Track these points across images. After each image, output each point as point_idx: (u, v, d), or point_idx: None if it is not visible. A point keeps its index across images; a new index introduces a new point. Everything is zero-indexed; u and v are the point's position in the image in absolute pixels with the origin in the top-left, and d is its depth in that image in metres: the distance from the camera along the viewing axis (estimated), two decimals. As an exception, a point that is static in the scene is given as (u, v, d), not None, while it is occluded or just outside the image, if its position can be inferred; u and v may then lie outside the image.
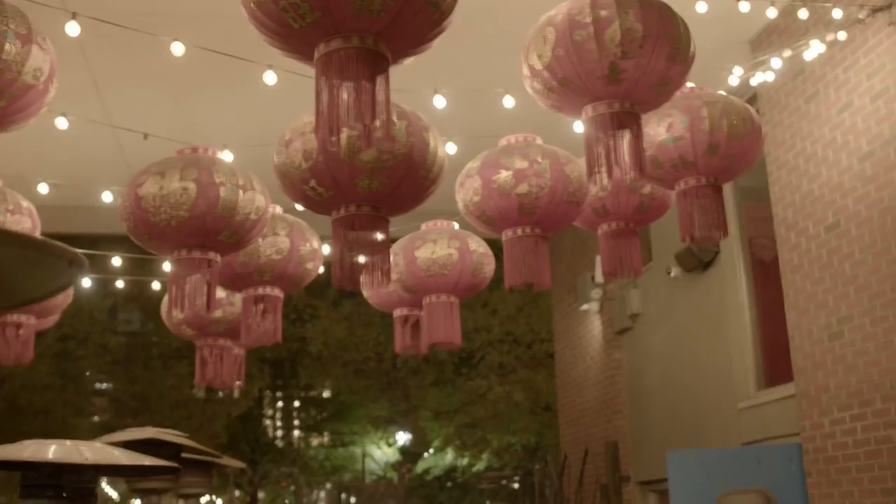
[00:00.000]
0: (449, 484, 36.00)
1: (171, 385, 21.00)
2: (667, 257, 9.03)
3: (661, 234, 9.24)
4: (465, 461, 31.85)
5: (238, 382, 5.87)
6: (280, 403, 35.98)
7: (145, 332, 23.00)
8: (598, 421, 10.67)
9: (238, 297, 5.20)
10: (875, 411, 5.83)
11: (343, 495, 23.40)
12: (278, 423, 35.92)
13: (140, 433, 5.36)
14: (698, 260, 8.40)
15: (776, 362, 7.40)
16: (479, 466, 32.22)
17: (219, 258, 4.26)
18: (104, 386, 24.80)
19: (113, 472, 3.94)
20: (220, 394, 27.12)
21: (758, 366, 7.69)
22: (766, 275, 7.77)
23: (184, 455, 6.65)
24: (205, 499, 25.10)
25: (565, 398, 12.13)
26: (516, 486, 37.89)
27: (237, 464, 7.81)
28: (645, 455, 9.62)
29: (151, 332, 22.50)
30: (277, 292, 4.94)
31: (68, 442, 3.83)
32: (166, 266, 6.25)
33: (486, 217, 4.45)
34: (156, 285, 7.57)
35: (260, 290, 4.90)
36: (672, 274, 8.89)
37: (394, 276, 5.37)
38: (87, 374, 22.80)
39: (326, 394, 32.79)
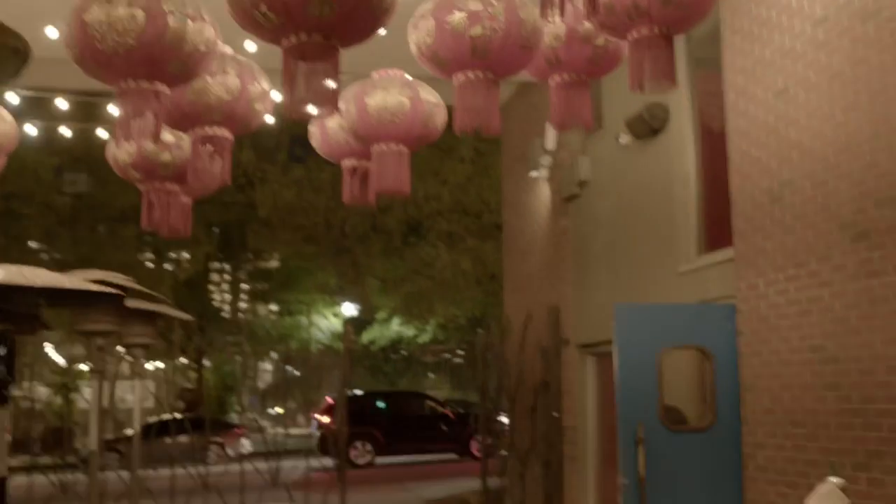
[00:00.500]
0: (394, 356, 36.67)
1: (116, 247, 20.86)
2: (617, 125, 9.07)
3: (613, 102, 9.27)
4: (410, 333, 32.37)
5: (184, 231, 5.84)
6: (227, 271, 36.02)
7: (92, 194, 22.68)
8: (542, 287, 10.87)
9: (187, 141, 5.14)
10: (809, 271, 6.02)
11: (288, 368, 23.72)
12: (225, 291, 36.03)
13: (86, 274, 5.34)
14: (648, 127, 8.45)
15: (717, 228, 7.55)
16: (424, 338, 32.79)
17: (167, 91, 4.19)
18: (48, 247, 24.58)
19: (57, 297, 3.94)
20: (169, 262, 27.10)
21: (700, 231, 7.85)
22: (713, 144, 7.85)
23: (129, 304, 6.66)
24: (150, 365, 25.27)
25: (511, 265, 12.32)
26: (459, 360, 38.77)
27: (183, 315, 7.84)
28: (585, 319, 9.85)
29: (98, 195, 22.21)
30: (226, 133, 4.89)
31: (13, 266, 3.82)
32: (113, 110, 6.14)
33: (439, 59, 4.41)
34: (102, 133, 7.42)
35: (208, 131, 4.84)
36: (622, 141, 8.94)
37: (344, 123, 5.35)
38: (31, 233, 22.53)
39: (274, 263, 32.87)
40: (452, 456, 23.13)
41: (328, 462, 11.21)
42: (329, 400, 26.50)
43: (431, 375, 40.24)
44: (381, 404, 26.11)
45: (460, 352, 37.29)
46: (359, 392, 30.54)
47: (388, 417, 25.14)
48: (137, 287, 5.91)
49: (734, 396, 6.74)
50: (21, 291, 3.45)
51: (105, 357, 5.72)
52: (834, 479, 5.26)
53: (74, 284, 3.96)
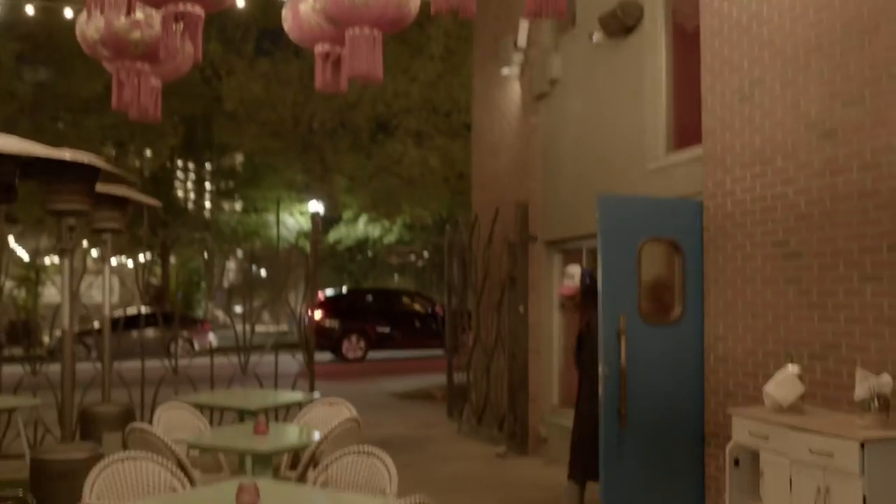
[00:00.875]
0: (359, 256, 36.79)
1: (80, 139, 20.52)
2: (590, 23, 9.00)
3: (586, 0, 9.20)
4: (376, 233, 32.42)
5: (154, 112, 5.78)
6: (191, 169, 35.72)
7: (55, 83, 22.19)
8: (510, 184, 10.91)
9: (157, 21, 5.05)
10: (775, 169, 6.11)
11: (255, 266, 23.77)
12: (190, 187, 35.78)
13: (56, 152, 5.28)
14: (621, 24, 8.40)
15: (686, 127, 7.60)
16: (391, 239, 32.89)
17: (138, -36, 4.11)
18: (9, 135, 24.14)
19: (31, 168, 3.92)
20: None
21: (668, 129, 7.89)
22: (685, 43, 7.83)
23: (99, 189, 6.62)
24: (115, 260, 25.17)
25: (479, 162, 12.33)
26: (424, 263, 38.97)
27: (152, 201, 7.83)
28: (553, 216, 9.94)
29: (61, 84, 21.74)
30: (198, 10, 4.79)
31: (-16, 137, 3.78)
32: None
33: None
34: (68, 13, 7.25)
35: (181, 7, 4.76)
36: (594, 39, 8.89)
37: (316, 5, 5.27)
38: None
39: (239, 159, 32.59)
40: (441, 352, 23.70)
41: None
42: (320, 296, 26.76)
43: (396, 277, 40.53)
44: (372, 301, 26.48)
45: (426, 253, 37.54)
46: (350, 289, 30.86)
47: (379, 314, 25.54)
48: (109, 167, 5.86)
49: (700, 291, 6.89)
50: (-6, 160, 3.42)
51: (76, 238, 5.71)
52: (792, 367, 5.44)
53: (50, 153, 3.94)
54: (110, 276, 7.98)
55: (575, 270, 7.77)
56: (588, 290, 7.45)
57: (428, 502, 3.43)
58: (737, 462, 5.63)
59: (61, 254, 5.87)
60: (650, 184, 7.82)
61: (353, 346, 24.68)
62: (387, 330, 25.25)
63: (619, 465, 6.49)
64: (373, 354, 24.70)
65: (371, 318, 25.19)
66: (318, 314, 24.67)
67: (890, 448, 4.65)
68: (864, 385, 4.91)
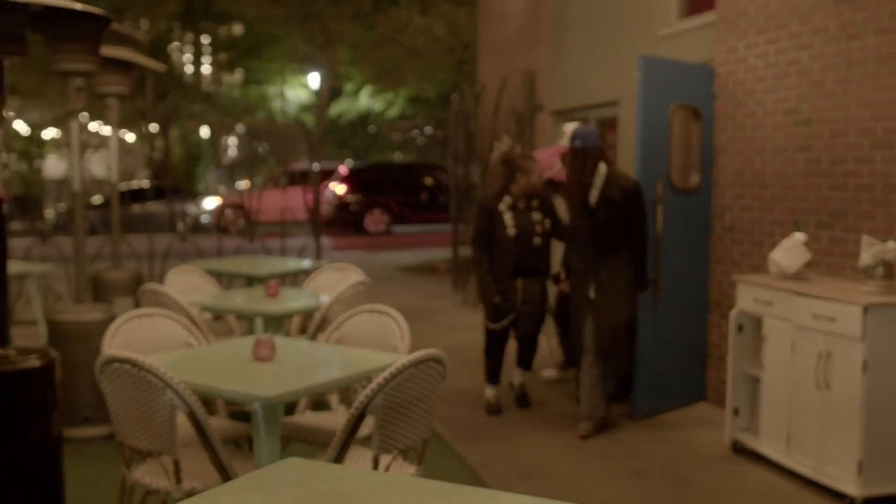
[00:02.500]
0: (361, 131, 36.54)
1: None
2: None
3: None
4: (378, 107, 32.11)
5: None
6: (189, 41, 35.11)
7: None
8: (517, 52, 10.76)
9: None
10: (790, 34, 6.01)
11: (255, 143, 23.61)
12: (189, 59, 35.25)
13: (67, 2, 5.16)
14: None
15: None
16: (393, 113, 32.60)
17: None
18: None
19: (42, 20, 3.86)
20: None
21: (682, -5, 7.74)
22: None
23: (104, 53, 6.53)
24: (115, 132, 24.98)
25: (486, 30, 12.13)
26: (426, 139, 38.69)
27: (158, 66, 7.71)
28: (560, 85, 9.83)
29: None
30: None
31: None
32: None
33: None
34: None
35: None
36: None
37: None
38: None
39: (238, 29, 32.00)
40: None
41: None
42: (342, 169, 26.69)
43: (398, 154, 40.34)
44: (395, 174, 26.35)
45: (428, 128, 37.26)
46: (375, 162, 30.69)
47: (403, 188, 25.44)
48: (117, 25, 5.75)
49: (710, 158, 6.86)
50: (5, 9, 3.36)
51: (83, 99, 5.66)
52: (798, 235, 5.47)
53: (60, 3, 3.87)
54: (116, 144, 7.94)
55: (568, 128, 6.21)
56: (577, 154, 5.93)
57: (441, 356, 3.50)
58: (740, 328, 5.72)
59: (69, 115, 5.83)
60: (660, 51, 7.70)
61: (375, 221, 24.73)
62: (410, 203, 25.18)
63: (652, 338, 6.51)
64: (398, 228, 24.70)
65: (394, 191, 25.06)
66: (340, 189, 24.71)
67: (892, 313, 4.72)
68: (870, 252, 4.95)
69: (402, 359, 3.42)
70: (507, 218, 6.45)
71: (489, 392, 6.70)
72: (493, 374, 6.71)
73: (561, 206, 6.80)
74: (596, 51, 8.94)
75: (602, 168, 5.90)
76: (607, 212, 5.86)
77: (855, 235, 5.40)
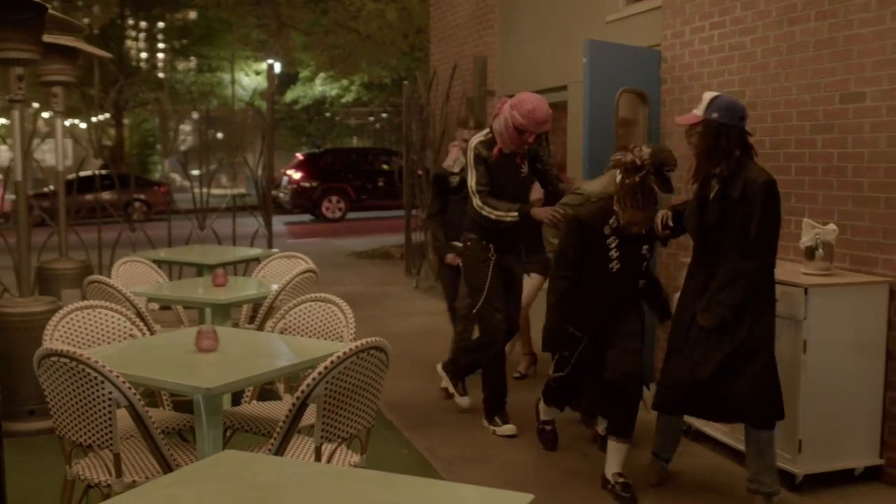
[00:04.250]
0: (317, 117, 36.38)
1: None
2: None
3: None
4: (334, 92, 31.97)
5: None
6: (142, 28, 34.69)
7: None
8: (469, 37, 10.76)
9: None
10: (734, 19, 6.07)
11: (209, 131, 23.37)
12: (142, 46, 34.83)
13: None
14: None
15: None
16: (348, 98, 32.48)
17: None
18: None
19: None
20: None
21: (629, -20, 7.78)
22: None
23: (47, 39, 6.42)
24: (69, 121, 24.60)
25: (438, 15, 12.11)
26: (382, 125, 38.57)
27: (103, 53, 7.59)
28: (511, 70, 9.85)
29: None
30: None
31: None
32: None
33: None
34: None
35: None
36: None
37: None
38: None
39: (192, 15, 31.66)
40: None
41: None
42: (299, 156, 26.51)
43: (354, 140, 40.20)
44: (353, 160, 26.21)
45: (384, 115, 37.15)
46: (329, 148, 30.48)
47: (359, 173, 25.31)
48: (57, 14, 5.67)
49: (657, 143, 6.90)
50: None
51: (25, 88, 5.57)
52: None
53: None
54: (62, 133, 7.83)
55: (707, 96, 4.54)
56: (709, 129, 4.42)
57: (384, 345, 3.50)
58: (686, 309, 5.76)
59: (11, 105, 5.73)
60: (609, 35, 7.75)
61: (332, 207, 24.64)
62: (367, 190, 25.09)
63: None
64: (354, 214, 24.62)
65: (351, 177, 24.96)
66: (296, 175, 24.58)
67: (832, 294, 4.80)
68: (810, 234, 5.02)
69: (343, 347, 3.41)
70: (613, 246, 4.77)
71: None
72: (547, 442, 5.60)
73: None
74: (546, 36, 8.96)
75: (736, 154, 4.43)
76: (722, 211, 4.44)
77: (797, 218, 5.47)
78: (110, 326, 4.41)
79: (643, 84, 6.76)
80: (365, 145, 37.42)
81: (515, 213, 5.44)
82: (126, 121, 33.65)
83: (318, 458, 3.40)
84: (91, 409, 3.35)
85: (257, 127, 11.16)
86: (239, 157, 10.83)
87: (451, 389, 6.22)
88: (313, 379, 3.31)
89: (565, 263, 4.81)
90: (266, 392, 5.15)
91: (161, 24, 33.51)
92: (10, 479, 3.65)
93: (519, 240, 5.87)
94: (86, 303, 4.43)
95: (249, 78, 30.58)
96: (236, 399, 4.80)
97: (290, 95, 31.59)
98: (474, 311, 5.76)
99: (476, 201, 5.54)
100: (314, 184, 24.57)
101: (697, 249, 4.65)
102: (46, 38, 6.48)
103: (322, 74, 29.43)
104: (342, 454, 3.71)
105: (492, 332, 5.71)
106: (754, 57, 5.89)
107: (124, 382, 3.30)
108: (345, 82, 30.09)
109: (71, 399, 3.39)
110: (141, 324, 4.53)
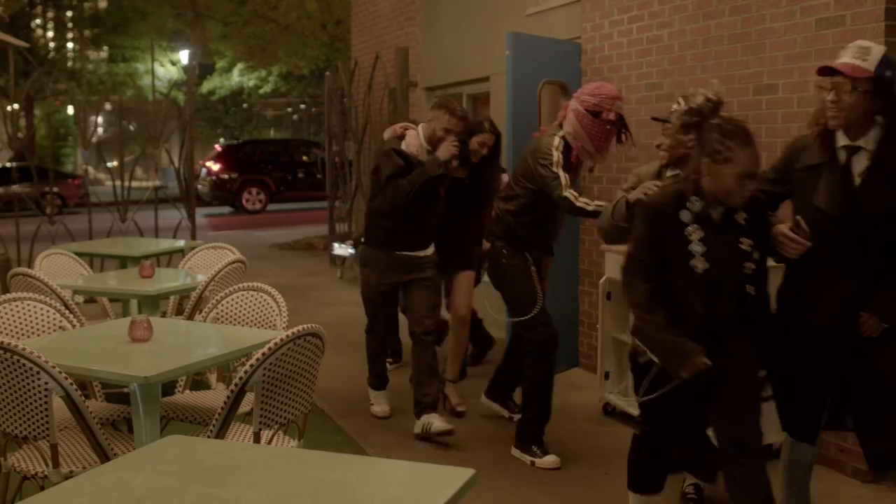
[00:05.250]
0: (234, 108, 35.94)
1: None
2: None
3: None
4: (251, 83, 31.64)
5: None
6: (52, 17, 33.82)
7: None
8: (391, 28, 10.81)
9: None
10: (651, 12, 6.26)
11: (124, 122, 22.97)
12: (51, 35, 33.95)
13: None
14: None
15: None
16: (266, 90, 32.18)
17: None
18: None
19: None
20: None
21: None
22: None
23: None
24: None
25: (359, 5, 12.13)
26: (300, 115, 38.27)
27: (18, 42, 7.46)
28: (433, 61, 9.93)
29: None
30: None
31: None
32: None
33: None
34: None
35: None
36: None
37: None
38: None
39: (104, 4, 30.98)
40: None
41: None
42: (218, 147, 26.12)
43: (273, 131, 39.84)
44: (272, 151, 25.92)
45: (302, 106, 36.88)
46: (248, 139, 30.08)
47: (279, 165, 25.05)
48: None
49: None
50: None
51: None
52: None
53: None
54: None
55: (869, 45, 3.49)
56: (878, 86, 3.43)
57: (319, 331, 3.57)
58: (609, 296, 5.94)
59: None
60: (529, 28, 7.86)
61: (253, 199, 24.41)
62: (287, 181, 24.89)
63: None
64: (275, 206, 24.43)
65: (271, 169, 24.73)
66: (215, 166, 24.27)
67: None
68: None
69: (280, 334, 3.47)
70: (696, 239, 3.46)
71: None
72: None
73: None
74: (468, 28, 9.06)
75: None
76: (877, 195, 3.44)
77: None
78: (39, 319, 4.38)
79: (564, 76, 6.90)
80: (283, 137, 37.10)
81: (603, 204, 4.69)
82: (37, 111, 32.78)
83: (257, 443, 3.45)
84: (26, 400, 3.34)
85: (175, 118, 11.06)
86: (160, 148, 10.69)
87: (529, 457, 5.15)
88: (251, 366, 3.36)
89: (638, 267, 3.55)
90: (197, 382, 5.16)
91: (70, 14, 32.71)
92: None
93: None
94: (13, 295, 4.39)
95: (165, 68, 30.07)
96: (167, 390, 4.81)
97: (206, 86, 31.16)
98: (528, 329, 5.15)
99: (570, 194, 4.78)
100: (233, 175, 24.33)
101: (837, 249, 3.49)
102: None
103: (239, 65, 29.09)
104: (280, 440, 3.76)
105: (549, 344, 5.14)
106: (672, 50, 6.09)
107: (61, 373, 3.31)
108: (262, 73, 29.80)
109: (5, 390, 3.38)
110: (71, 316, 4.50)
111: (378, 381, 6.15)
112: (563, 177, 4.84)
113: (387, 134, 5.82)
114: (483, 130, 5.92)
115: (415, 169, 5.40)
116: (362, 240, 6.10)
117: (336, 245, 11.61)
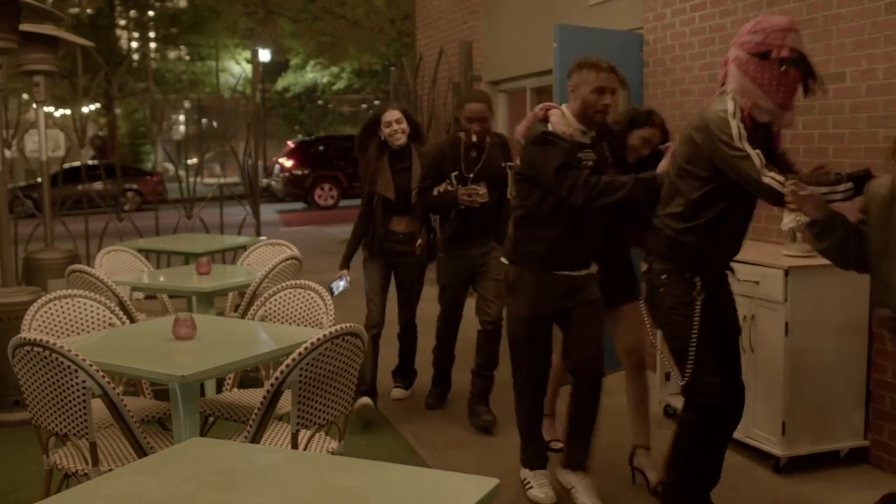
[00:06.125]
0: (309, 105, 36.28)
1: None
2: None
3: None
4: (325, 80, 31.87)
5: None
6: (132, 18, 34.53)
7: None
8: (454, 22, 10.72)
9: None
10: (714, 1, 6.06)
11: (204, 120, 23.35)
12: (133, 35, 34.67)
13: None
14: None
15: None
16: (340, 86, 32.38)
17: None
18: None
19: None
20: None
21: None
22: None
23: (23, 28, 6.38)
24: (60, 112, 24.50)
25: (424, 0, 12.06)
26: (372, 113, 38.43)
27: (84, 42, 7.56)
28: (497, 55, 9.82)
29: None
30: None
31: None
32: None
33: None
34: None
35: None
36: None
37: None
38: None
39: (183, 3, 31.50)
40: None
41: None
42: (291, 144, 26.43)
43: (348, 127, 40.10)
44: (345, 147, 26.13)
45: (377, 102, 37.03)
46: (323, 135, 30.37)
47: (351, 161, 25.21)
48: (34, 3, 5.63)
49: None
50: None
51: (3, 77, 5.53)
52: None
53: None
54: (50, 123, 7.81)
55: None
56: None
57: (358, 331, 3.50)
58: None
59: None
60: (591, 20, 7.72)
61: (325, 194, 24.59)
62: (358, 177, 24.90)
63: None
64: (347, 202, 24.55)
65: (343, 165, 24.86)
66: (288, 163, 24.54)
67: (812, 276, 4.80)
68: (791, 216, 5.01)
69: (316, 333, 3.41)
70: None
71: None
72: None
73: None
74: (530, 20, 8.93)
75: None
76: None
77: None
78: (89, 315, 4.40)
79: (623, 67, 6.71)
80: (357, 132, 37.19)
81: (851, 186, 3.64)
82: (118, 110, 33.55)
83: (294, 444, 3.40)
84: (66, 398, 3.34)
85: (246, 115, 11.15)
86: (226, 145, 10.79)
87: None
88: (287, 366, 3.31)
89: None
90: (250, 379, 5.16)
91: (151, 14, 33.36)
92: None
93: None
94: (64, 292, 4.42)
95: (240, 66, 30.47)
96: (221, 387, 4.81)
97: (281, 83, 31.49)
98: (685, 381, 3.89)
99: (772, 178, 3.50)
100: (306, 171, 24.53)
101: None
102: (26, 27, 6.46)
103: (312, 62, 29.33)
104: (320, 441, 3.71)
105: (709, 410, 3.92)
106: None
107: (98, 371, 3.30)
108: (335, 69, 29.99)
109: (46, 388, 3.39)
110: (121, 312, 4.52)
111: (537, 457, 4.59)
112: (755, 154, 3.55)
113: (523, 124, 4.31)
114: (650, 123, 4.59)
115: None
116: (440, 254, 5.82)
117: None
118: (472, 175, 5.49)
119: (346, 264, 5.93)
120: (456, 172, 5.54)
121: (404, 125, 5.76)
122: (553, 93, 6.47)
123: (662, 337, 4.18)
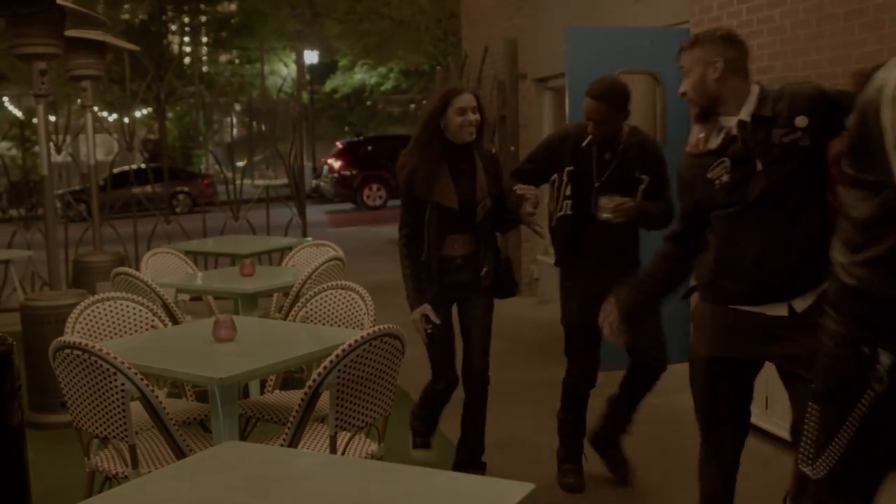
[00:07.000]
0: (358, 106, 36.41)
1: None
2: None
3: None
4: (373, 81, 31.95)
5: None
6: (184, 22, 34.94)
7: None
8: (499, 20, 10.65)
9: None
10: (762, -9, 5.93)
11: (254, 123, 23.53)
12: (184, 40, 35.07)
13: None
14: None
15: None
16: (388, 86, 32.44)
17: None
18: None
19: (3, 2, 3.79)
20: None
21: (657, -44, 7.63)
22: None
23: (70, 34, 6.46)
24: (113, 117, 24.80)
25: (468, -1, 12.03)
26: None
27: (130, 46, 7.63)
28: (542, 52, 9.73)
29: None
30: None
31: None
32: None
33: None
34: None
35: None
36: None
37: None
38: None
39: (233, 7, 31.79)
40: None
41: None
42: (339, 145, 26.62)
43: (397, 127, 40.13)
44: (393, 147, 26.22)
45: (424, 101, 37.05)
46: (371, 136, 30.55)
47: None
48: (79, 9, 5.69)
49: (682, 123, 6.77)
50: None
51: (48, 82, 5.59)
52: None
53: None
54: (99, 127, 7.90)
55: None
56: None
57: (398, 332, 3.46)
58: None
59: (36, 100, 5.77)
60: (637, 15, 7.62)
61: (373, 195, 24.69)
62: None
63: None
64: (396, 202, 24.62)
65: (391, 165, 24.87)
66: (336, 164, 24.69)
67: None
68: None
69: (355, 335, 3.37)
70: None
71: None
72: None
73: None
74: (575, 17, 8.83)
75: None
76: None
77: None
78: (132, 318, 4.42)
79: (656, 64, 6.64)
80: (406, 133, 37.32)
81: None
82: (169, 114, 33.94)
83: (332, 447, 3.37)
84: (105, 401, 3.34)
85: (292, 116, 11.19)
86: (271, 146, 10.83)
87: None
88: (325, 367, 3.28)
89: None
90: (294, 380, 5.15)
91: (203, 19, 33.71)
92: (40, 470, 3.69)
93: None
94: (107, 294, 4.44)
95: (287, 68, 30.67)
96: (264, 388, 4.80)
97: (329, 84, 31.62)
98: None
99: None
100: (354, 172, 24.62)
101: None
102: (72, 32, 6.54)
103: (360, 63, 29.44)
104: (360, 443, 3.68)
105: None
106: (783, 30, 5.74)
107: (136, 374, 3.29)
108: (383, 70, 30.06)
109: (85, 391, 3.40)
110: (163, 315, 4.53)
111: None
112: None
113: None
114: None
115: None
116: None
117: None
118: (601, 181, 4.47)
119: (422, 297, 4.48)
120: (571, 168, 4.53)
121: (478, 116, 4.39)
122: (566, 91, 6.44)
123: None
